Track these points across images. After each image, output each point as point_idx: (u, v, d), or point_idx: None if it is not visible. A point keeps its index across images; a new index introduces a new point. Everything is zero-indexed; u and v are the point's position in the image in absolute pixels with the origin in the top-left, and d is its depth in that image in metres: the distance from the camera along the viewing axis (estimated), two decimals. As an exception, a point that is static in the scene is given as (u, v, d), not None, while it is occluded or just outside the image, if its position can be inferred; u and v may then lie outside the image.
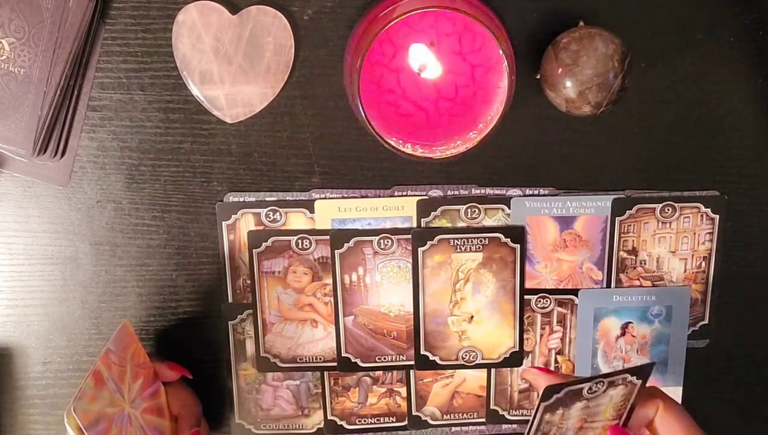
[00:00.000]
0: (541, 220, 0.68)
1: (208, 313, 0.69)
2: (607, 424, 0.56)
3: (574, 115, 0.60)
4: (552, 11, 0.63)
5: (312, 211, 0.67)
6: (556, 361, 0.71)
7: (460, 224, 0.68)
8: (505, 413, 0.72)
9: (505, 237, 0.68)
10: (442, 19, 0.59)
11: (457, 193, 0.67)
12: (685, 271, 0.69)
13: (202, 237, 0.67)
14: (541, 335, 0.70)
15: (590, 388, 0.53)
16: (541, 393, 0.51)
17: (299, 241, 0.67)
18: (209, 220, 0.67)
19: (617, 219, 0.68)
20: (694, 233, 0.69)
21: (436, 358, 0.70)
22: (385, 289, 0.69)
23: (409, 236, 0.67)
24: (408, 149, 0.60)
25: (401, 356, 0.70)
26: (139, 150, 0.65)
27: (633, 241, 0.68)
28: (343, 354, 0.70)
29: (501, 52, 0.56)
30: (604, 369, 0.71)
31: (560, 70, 0.59)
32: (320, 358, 0.70)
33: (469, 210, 0.67)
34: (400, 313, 0.69)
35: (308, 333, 0.69)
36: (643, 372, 0.54)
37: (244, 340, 0.70)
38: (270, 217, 0.67)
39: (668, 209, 0.68)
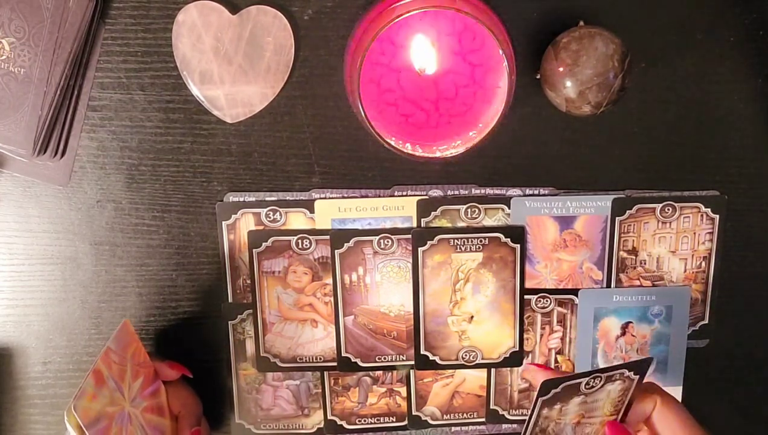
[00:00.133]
0: (541, 220, 0.68)
1: (208, 313, 0.69)
2: (604, 419, 0.56)
3: (574, 115, 0.60)
4: (552, 11, 0.63)
5: (312, 211, 0.67)
6: (556, 361, 0.71)
7: (460, 224, 0.68)
8: (505, 413, 0.72)
9: (505, 237, 0.68)
10: (442, 19, 0.59)
11: (457, 193, 0.67)
12: (685, 271, 0.69)
13: (202, 237, 0.68)
14: (541, 335, 0.70)
15: (588, 383, 0.53)
16: (538, 388, 0.51)
17: (299, 241, 0.67)
18: (209, 220, 0.67)
19: (617, 219, 0.68)
20: (694, 233, 0.69)
21: (436, 358, 0.70)
22: (385, 289, 0.69)
23: (409, 236, 0.67)
24: (408, 149, 0.60)
25: (401, 356, 0.70)
26: (139, 150, 0.65)
27: (633, 241, 0.68)
28: (343, 354, 0.70)
29: (501, 52, 0.56)
30: (604, 369, 0.71)
31: (560, 69, 0.59)
32: (320, 358, 0.70)
33: (469, 210, 0.67)
34: (400, 313, 0.69)
35: (308, 333, 0.69)
36: (640, 367, 0.54)
37: (244, 340, 0.70)
38: (270, 217, 0.67)
39: (668, 209, 0.68)
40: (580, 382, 0.53)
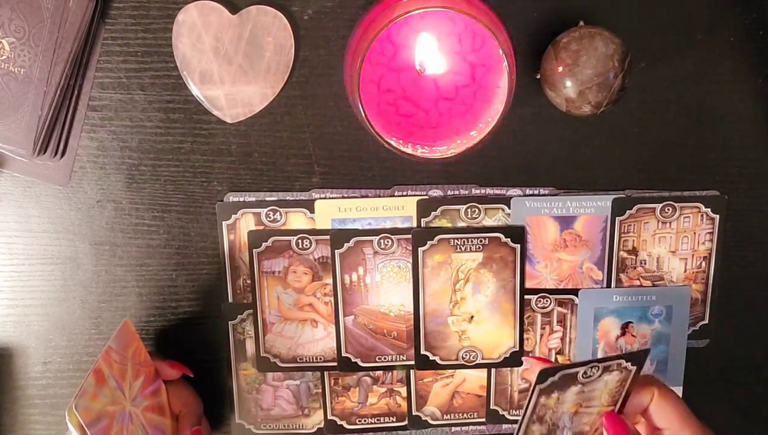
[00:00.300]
0: (541, 220, 0.68)
1: (208, 313, 0.69)
2: (602, 409, 0.56)
3: (574, 115, 0.60)
4: (552, 11, 0.63)
5: (312, 211, 0.67)
6: (556, 361, 0.71)
7: (460, 224, 0.68)
8: (505, 413, 0.72)
9: (505, 237, 0.68)
10: (442, 19, 0.59)
11: (457, 193, 0.67)
12: (685, 271, 0.69)
13: (202, 237, 0.68)
14: (541, 335, 0.70)
15: (585, 373, 0.53)
16: (536, 376, 0.52)
17: (299, 241, 0.67)
18: (209, 220, 0.67)
19: (617, 219, 0.68)
20: (694, 233, 0.69)
21: (436, 358, 0.70)
22: (385, 289, 0.69)
23: (409, 236, 0.67)
24: (408, 149, 0.60)
25: (401, 356, 0.70)
26: (139, 150, 0.65)
27: (633, 241, 0.68)
28: (343, 354, 0.70)
29: (501, 51, 0.56)
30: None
31: (560, 69, 0.59)
32: (320, 358, 0.70)
33: (469, 210, 0.67)
34: (400, 313, 0.69)
35: (308, 333, 0.69)
36: (637, 358, 0.54)
37: (244, 340, 0.70)
38: (270, 217, 0.67)
39: (668, 209, 0.68)
40: (578, 371, 0.53)
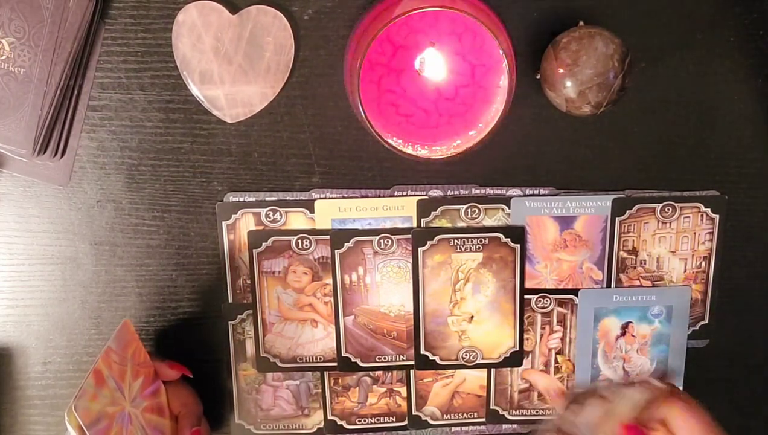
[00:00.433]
0: (541, 220, 0.68)
1: (208, 313, 0.69)
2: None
3: (574, 115, 0.60)
4: (552, 11, 0.63)
5: (312, 211, 0.67)
6: (556, 361, 0.71)
7: (460, 224, 0.68)
8: (505, 413, 0.72)
9: (505, 237, 0.68)
10: (442, 19, 0.59)
11: (457, 193, 0.67)
12: (685, 271, 0.69)
13: (202, 237, 0.67)
14: (541, 335, 0.70)
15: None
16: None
17: (299, 241, 0.67)
18: (209, 220, 0.67)
19: (617, 219, 0.68)
20: (694, 233, 0.69)
21: (436, 358, 0.70)
22: (385, 289, 0.69)
23: (409, 236, 0.67)
24: (408, 149, 0.60)
25: (401, 356, 0.70)
26: (139, 150, 0.65)
27: (633, 241, 0.68)
28: (343, 354, 0.70)
29: (501, 51, 0.56)
30: (604, 369, 0.71)
31: (560, 70, 0.59)
32: (320, 358, 0.70)
33: (469, 210, 0.67)
34: (400, 313, 0.69)
35: (308, 333, 0.69)
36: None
37: (244, 340, 0.70)
38: (270, 217, 0.67)
39: (668, 209, 0.68)
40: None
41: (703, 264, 0.69)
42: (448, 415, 0.72)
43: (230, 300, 0.69)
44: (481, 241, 0.67)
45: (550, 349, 0.71)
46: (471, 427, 0.73)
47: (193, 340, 0.69)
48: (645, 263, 0.69)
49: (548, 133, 0.66)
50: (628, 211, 0.68)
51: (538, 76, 0.61)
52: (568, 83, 0.58)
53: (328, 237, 0.67)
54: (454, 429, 0.73)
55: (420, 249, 0.67)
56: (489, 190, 0.67)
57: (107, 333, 0.69)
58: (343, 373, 0.70)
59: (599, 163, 0.67)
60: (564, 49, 0.59)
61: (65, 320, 0.69)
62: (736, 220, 0.69)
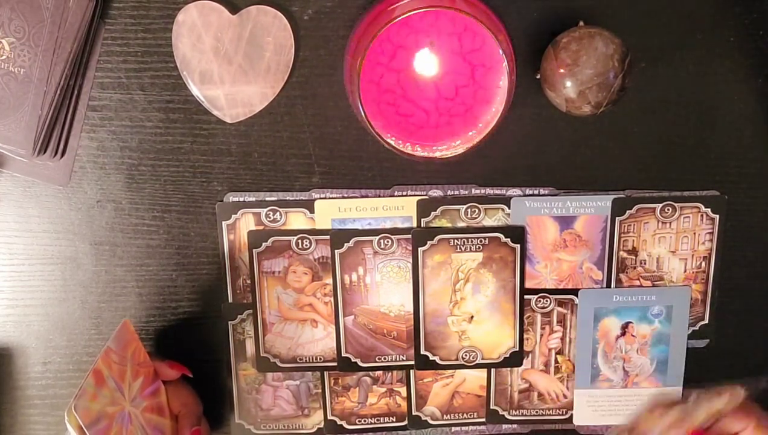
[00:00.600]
0: (541, 220, 0.68)
1: (208, 313, 0.69)
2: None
3: (574, 115, 0.60)
4: (552, 11, 0.63)
5: (312, 211, 0.67)
6: (556, 361, 0.71)
7: (460, 224, 0.68)
8: (505, 413, 0.72)
9: (505, 237, 0.68)
10: (442, 19, 0.59)
11: (457, 193, 0.67)
12: (685, 271, 0.69)
13: (202, 237, 0.67)
14: (541, 335, 0.70)
15: None
16: None
17: (299, 241, 0.67)
18: (209, 220, 0.67)
19: (617, 219, 0.68)
20: (694, 233, 0.69)
21: (436, 358, 0.70)
22: (385, 289, 0.69)
23: (409, 236, 0.67)
24: (408, 149, 0.60)
25: (401, 356, 0.70)
26: (139, 150, 0.65)
27: (633, 241, 0.68)
28: (343, 354, 0.70)
29: (501, 52, 0.56)
30: (604, 369, 0.71)
31: (560, 70, 0.59)
32: (320, 358, 0.70)
33: (469, 210, 0.67)
34: (400, 313, 0.69)
35: (308, 333, 0.69)
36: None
37: (244, 340, 0.70)
38: (270, 217, 0.67)
39: (668, 209, 0.68)
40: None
41: (703, 264, 0.69)
42: (448, 415, 0.72)
43: (230, 300, 0.69)
44: (481, 241, 0.67)
45: (550, 349, 0.71)
46: (471, 427, 0.73)
47: (193, 340, 0.69)
48: (645, 263, 0.69)
49: (548, 133, 0.66)
50: (628, 211, 0.68)
51: (538, 76, 0.61)
52: (568, 83, 0.58)
53: (328, 237, 0.67)
54: (454, 429, 0.73)
55: (420, 249, 0.67)
56: (489, 190, 0.67)
57: (107, 333, 0.69)
58: (343, 373, 0.70)
59: (599, 163, 0.67)
60: (564, 49, 0.59)
61: (65, 320, 0.69)
62: (736, 220, 0.69)
